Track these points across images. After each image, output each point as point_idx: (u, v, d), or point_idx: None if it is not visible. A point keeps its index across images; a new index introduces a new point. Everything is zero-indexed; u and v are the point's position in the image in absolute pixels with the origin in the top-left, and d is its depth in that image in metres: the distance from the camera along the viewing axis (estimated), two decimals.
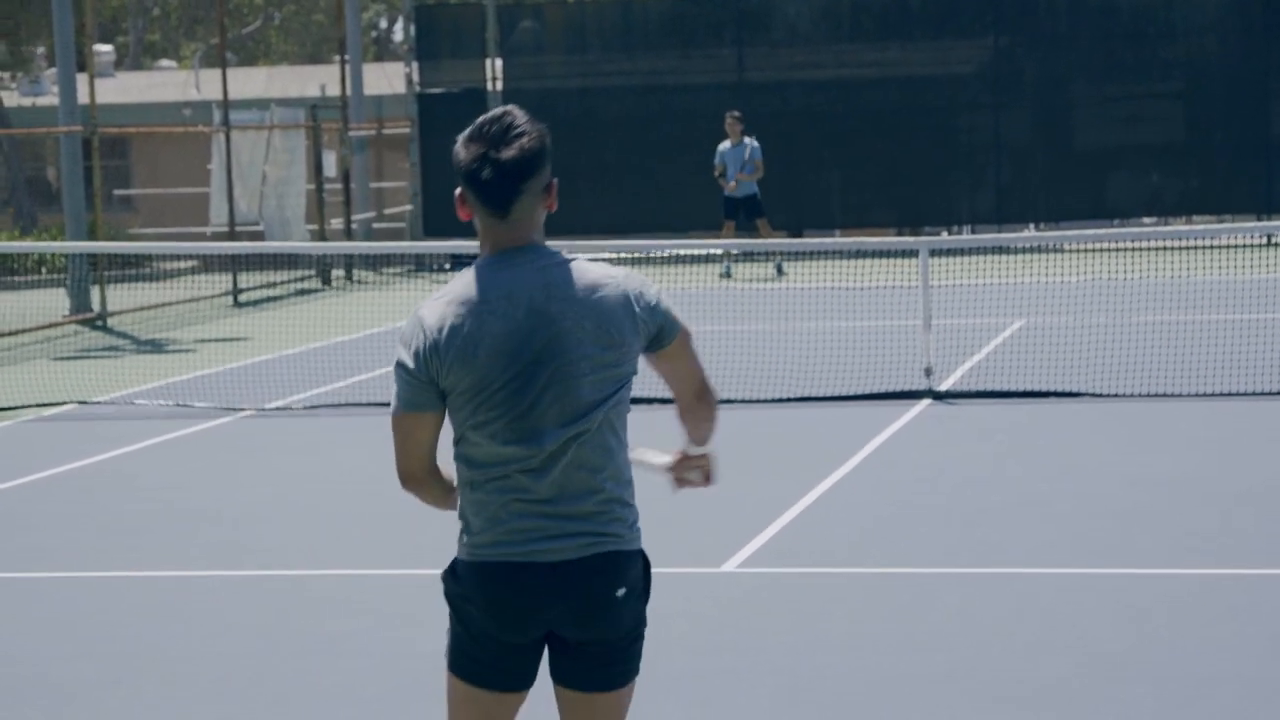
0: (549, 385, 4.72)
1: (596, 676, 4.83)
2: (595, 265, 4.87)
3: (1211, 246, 29.03)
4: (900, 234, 31.17)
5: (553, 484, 4.72)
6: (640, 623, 4.86)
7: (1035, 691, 7.56)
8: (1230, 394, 14.82)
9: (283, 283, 29.34)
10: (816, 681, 7.80)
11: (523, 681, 4.85)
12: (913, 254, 16.55)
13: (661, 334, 4.88)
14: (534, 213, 4.83)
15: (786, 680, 7.79)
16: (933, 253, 16.39)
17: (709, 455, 5.05)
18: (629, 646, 4.84)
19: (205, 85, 40.28)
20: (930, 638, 8.40)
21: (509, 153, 4.70)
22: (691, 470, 5.03)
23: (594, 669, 4.82)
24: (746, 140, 27.15)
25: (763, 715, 7.26)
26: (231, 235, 28.60)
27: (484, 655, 4.77)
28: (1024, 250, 28.43)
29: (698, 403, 5.00)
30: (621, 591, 4.76)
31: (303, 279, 29.87)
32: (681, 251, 28.53)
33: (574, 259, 4.87)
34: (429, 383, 4.73)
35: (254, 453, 14.13)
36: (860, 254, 24.85)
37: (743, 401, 15.14)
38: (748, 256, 28.58)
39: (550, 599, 4.73)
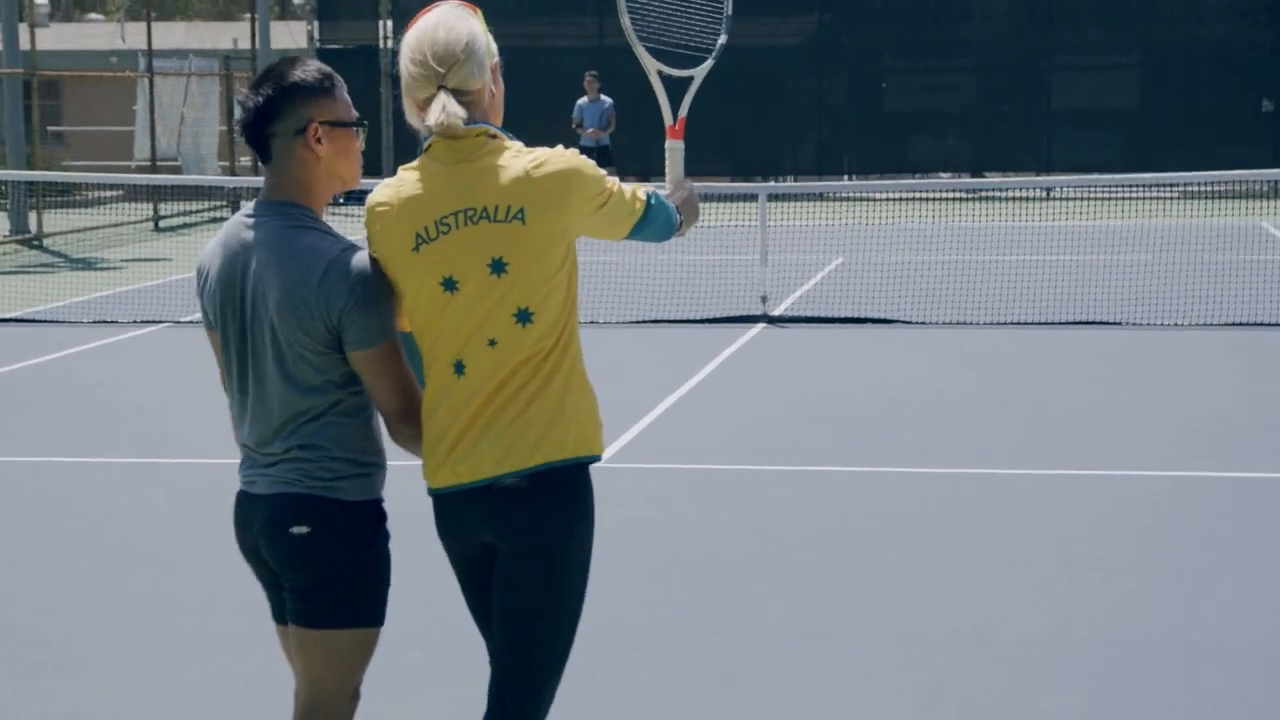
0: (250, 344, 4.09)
1: (293, 609, 4.10)
2: (320, 238, 4.02)
3: (999, 198, 29.24)
4: (733, 182, 31.14)
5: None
6: (341, 568, 4.04)
7: (860, 570, 7.55)
8: (1017, 323, 14.93)
9: (198, 211, 29.05)
10: (674, 562, 7.74)
11: (280, 612, 4.20)
12: (752, 198, 16.49)
13: (344, 328, 3.98)
14: (291, 160, 4.06)
15: (648, 561, 7.73)
16: (770, 197, 16.32)
17: None
18: (322, 589, 4.04)
19: (130, 36, 39.50)
20: (769, 525, 8.36)
21: (256, 97, 4.05)
22: None
23: (292, 602, 4.10)
24: (603, 97, 26.97)
25: (629, 592, 7.19)
26: (153, 168, 28.35)
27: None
28: (843, 198, 28.50)
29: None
30: (302, 530, 4.02)
31: (215, 208, 29.68)
32: None
33: (312, 227, 4.03)
34: None
35: (173, 359, 13.86)
36: (708, 197, 24.78)
37: (604, 324, 15.05)
38: None
39: (248, 527, 4.14)
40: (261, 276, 4.01)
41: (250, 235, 4.05)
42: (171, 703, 6.04)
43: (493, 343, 3.94)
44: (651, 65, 4.89)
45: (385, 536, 4.12)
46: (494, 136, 4.02)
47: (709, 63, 5.03)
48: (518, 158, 3.98)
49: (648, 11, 5.02)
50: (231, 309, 4.07)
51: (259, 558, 4.12)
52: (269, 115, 4.04)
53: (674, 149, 4.69)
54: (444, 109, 3.95)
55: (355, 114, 4.13)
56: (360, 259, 4.00)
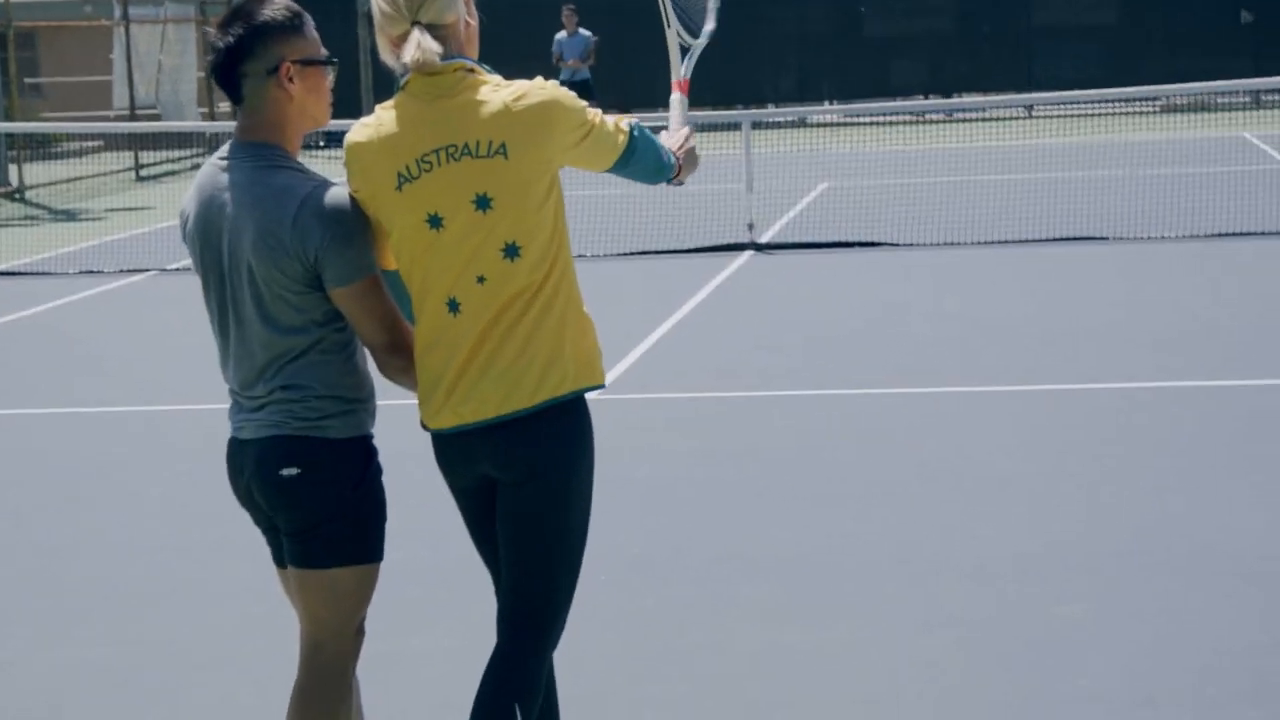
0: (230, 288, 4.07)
1: (291, 551, 4.10)
2: (293, 176, 4.00)
3: (982, 119, 29.19)
4: (715, 111, 31.05)
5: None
6: (334, 506, 4.04)
7: (856, 492, 7.59)
8: (1002, 241, 14.96)
9: (179, 159, 28.91)
10: (671, 490, 7.79)
11: (279, 556, 4.20)
12: (736, 126, 16.46)
13: (323, 266, 3.96)
14: (264, 100, 4.02)
15: (646, 490, 7.77)
16: (753, 125, 16.30)
17: None
18: (317, 529, 4.05)
19: None
20: (764, 451, 8.40)
21: (226, 37, 4.00)
22: None
23: (289, 544, 4.11)
24: (581, 31, 26.89)
25: (628, 520, 7.23)
26: (132, 117, 28.18)
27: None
28: (825, 124, 28.44)
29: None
30: (291, 471, 4.02)
31: (196, 155, 29.50)
32: None
33: (285, 166, 4.01)
34: None
35: (161, 307, 13.85)
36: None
37: (593, 256, 15.06)
38: None
39: (240, 473, 4.14)
40: (237, 218, 3.98)
41: (225, 178, 4.02)
42: (183, 650, 6.08)
43: (482, 279, 3.92)
44: (675, 37, 4.94)
45: (377, 471, 4.12)
46: (471, 70, 3.98)
47: (710, 26, 5.12)
48: (497, 91, 3.95)
49: None
50: (210, 253, 4.06)
51: (254, 502, 4.13)
52: (240, 55, 3.98)
53: (679, 101, 4.69)
54: (419, 45, 3.90)
55: (325, 52, 4.10)
56: (334, 195, 3.97)
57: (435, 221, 3.93)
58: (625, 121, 4.18)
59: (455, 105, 3.94)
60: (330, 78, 4.11)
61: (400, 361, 4.05)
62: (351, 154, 4.00)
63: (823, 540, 6.93)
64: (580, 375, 4.02)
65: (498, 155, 3.91)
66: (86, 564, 7.11)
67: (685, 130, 4.49)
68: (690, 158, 4.43)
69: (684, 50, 4.96)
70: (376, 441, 4.15)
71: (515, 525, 4.03)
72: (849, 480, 7.81)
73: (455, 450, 4.05)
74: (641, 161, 4.20)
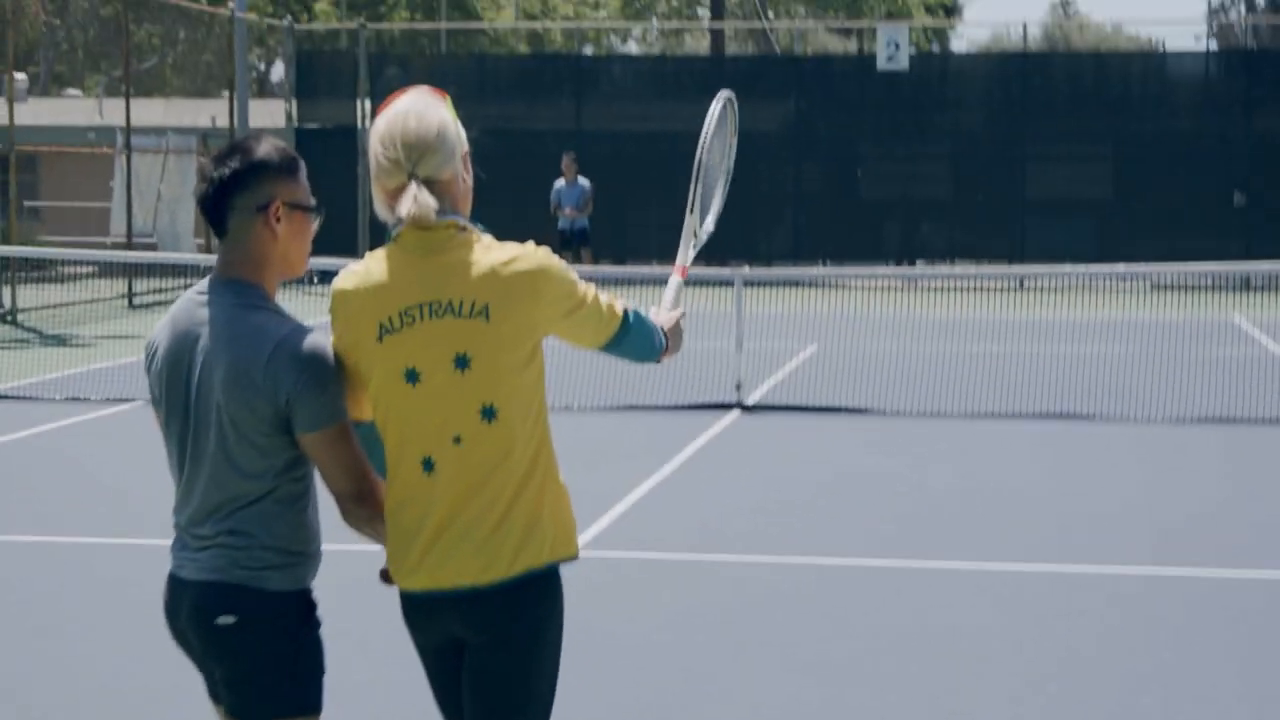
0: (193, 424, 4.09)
1: (227, 701, 4.09)
2: (269, 318, 4.02)
3: (972, 289, 29.39)
4: (708, 267, 31.26)
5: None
6: (270, 657, 4.02)
7: (830, 662, 7.58)
8: (990, 414, 15.01)
9: (173, 289, 28.96)
10: (644, 651, 7.77)
11: (216, 691, 4.17)
12: (728, 284, 16.59)
13: (293, 410, 3.96)
14: (249, 237, 4.05)
15: (618, 650, 7.75)
16: (745, 283, 16.43)
17: None
18: (252, 678, 4.03)
19: (108, 112, 39.53)
20: (740, 615, 8.39)
21: (222, 169, 4.04)
22: None
23: (225, 692, 4.09)
24: (580, 180, 27.14)
25: (599, 680, 7.21)
26: (129, 245, 28.31)
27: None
28: (817, 285, 28.63)
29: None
30: (228, 620, 4.01)
31: (189, 286, 29.48)
32: None
33: (262, 307, 4.03)
34: None
35: (146, 438, 13.83)
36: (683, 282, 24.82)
37: (579, 409, 15.10)
38: None
39: (176, 612, 4.14)
40: (211, 354, 4.00)
41: (203, 313, 4.05)
42: None
43: (458, 439, 3.95)
44: (693, 224, 5.10)
45: (315, 625, 4.12)
46: (464, 229, 4.01)
47: (710, 224, 5.27)
48: (488, 252, 3.99)
49: (704, 180, 5.24)
50: (177, 387, 4.07)
51: (189, 643, 4.13)
52: (233, 188, 4.02)
53: (678, 285, 4.79)
54: (415, 200, 3.94)
55: (314, 201, 4.15)
56: (310, 340, 3.98)
57: (412, 376, 3.95)
58: (620, 304, 4.22)
59: (445, 262, 3.97)
60: (314, 227, 4.15)
61: (365, 511, 4.06)
62: (337, 300, 4.04)
63: (792, 709, 6.90)
64: (557, 547, 4.06)
65: (479, 316, 3.93)
66: (62, 692, 7.06)
67: (678, 312, 4.56)
68: (676, 338, 4.49)
69: (694, 236, 5.09)
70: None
71: (482, 687, 4.04)
72: (822, 649, 7.79)
73: (425, 611, 4.07)
74: (632, 345, 4.26)
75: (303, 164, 4.13)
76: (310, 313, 21.59)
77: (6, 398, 16.14)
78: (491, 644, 4.01)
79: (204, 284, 4.10)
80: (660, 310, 4.56)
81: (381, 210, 4.05)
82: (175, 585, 4.12)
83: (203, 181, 4.07)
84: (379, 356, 3.98)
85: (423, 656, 4.17)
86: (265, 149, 4.05)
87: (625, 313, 4.21)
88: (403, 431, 3.99)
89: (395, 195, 3.99)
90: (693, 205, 5.06)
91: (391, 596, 4.19)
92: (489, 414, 3.94)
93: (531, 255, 4.00)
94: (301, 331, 4.00)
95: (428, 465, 3.98)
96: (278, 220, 4.04)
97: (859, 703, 7.01)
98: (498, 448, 3.95)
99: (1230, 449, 13.42)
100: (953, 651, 7.75)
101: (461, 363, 3.94)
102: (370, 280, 4.00)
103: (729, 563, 9.57)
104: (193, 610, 4.04)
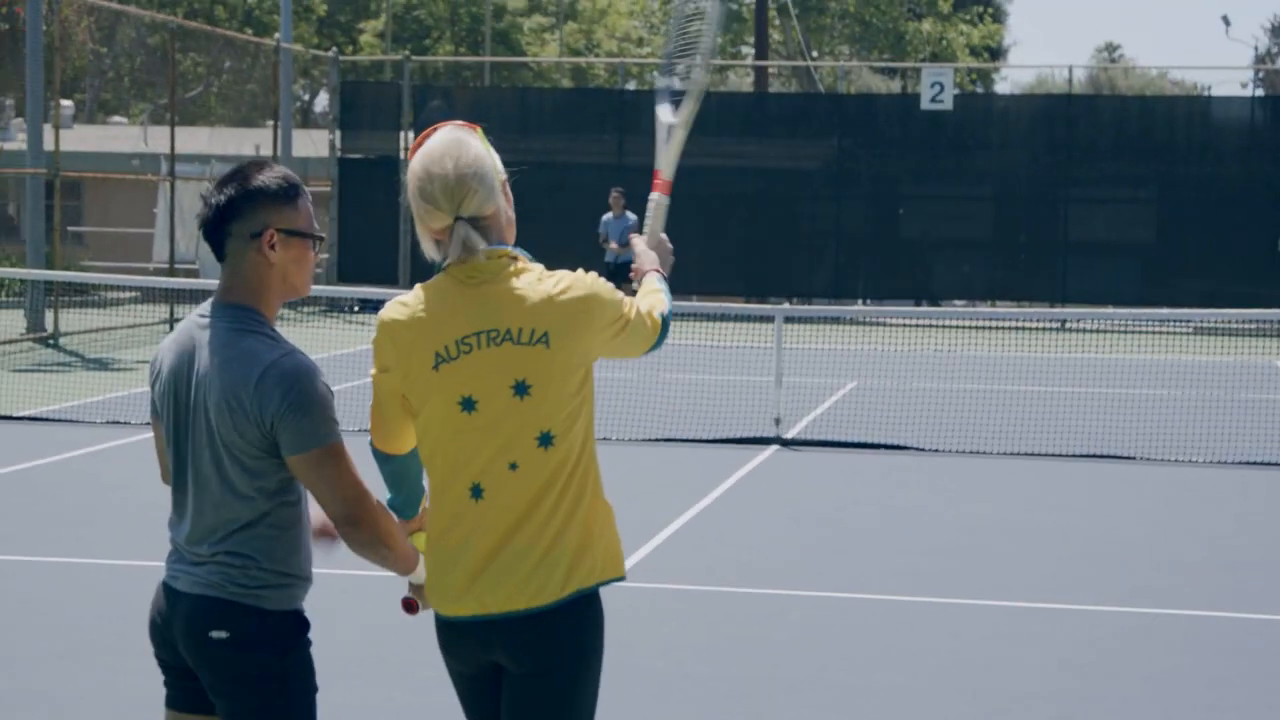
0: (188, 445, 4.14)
1: (221, 709, 4.11)
2: (261, 342, 4.03)
3: (1014, 328, 29.36)
4: (748, 302, 31.30)
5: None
6: (261, 672, 4.05)
7: (865, 699, 7.58)
8: (1029, 454, 14.99)
9: None
10: (677, 684, 7.78)
11: (175, 698, 4.21)
12: (769, 319, 16.59)
13: (278, 432, 3.99)
14: (244, 263, 4.07)
15: (651, 682, 7.76)
16: (786, 319, 16.44)
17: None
18: (246, 697, 4.05)
19: (153, 140, 39.85)
20: (774, 650, 8.39)
21: (219, 196, 4.07)
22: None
23: (218, 702, 4.12)
24: (628, 214, 27.20)
25: (632, 710, 7.21)
26: (171, 271, 28.50)
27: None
28: (857, 322, 28.63)
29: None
30: (221, 635, 4.04)
31: None
32: None
33: (256, 332, 4.04)
34: None
35: None
36: (724, 317, 24.91)
37: (618, 440, 15.13)
38: None
39: (168, 620, 4.16)
40: (206, 377, 4.04)
41: (203, 335, 4.08)
42: None
43: (514, 466, 3.96)
44: (664, 117, 4.83)
45: (307, 644, 4.14)
46: (515, 258, 4.05)
47: (688, 108, 4.90)
48: (541, 281, 4.02)
49: (671, 33, 4.90)
50: (178, 407, 4.12)
51: (170, 647, 4.13)
52: (228, 215, 4.05)
53: (660, 203, 4.66)
54: (464, 245, 3.98)
55: (315, 226, 4.16)
56: (299, 364, 3.98)
57: (469, 404, 3.96)
58: (657, 310, 4.25)
59: (498, 291, 4.00)
60: (315, 252, 4.17)
61: (363, 536, 4.04)
62: (385, 330, 4.04)
63: None
64: (606, 567, 4.07)
65: (540, 344, 3.96)
66: (106, 717, 7.10)
67: (663, 244, 4.56)
68: (666, 266, 4.52)
69: (675, 102, 4.84)
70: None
71: (523, 714, 4.04)
72: (857, 685, 7.79)
73: (470, 638, 4.06)
74: (663, 340, 4.31)
75: (304, 192, 4.14)
76: (350, 341, 21.54)
77: (48, 420, 16.24)
78: (534, 672, 4.01)
79: (206, 307, 4.14)
80: (643, 259, 4.50)
81: (429, 249, 4.08)
82: (168, 593, 4.16)
83: (204, 206, 4.10)
84: (435, 386, 4.00)
85: (458, 684, 4.16)
86: (263, 176, 4.07)
87: (662, 318, 4.26)
88: (454, 459, 4.00)
89: (441, 234, 4.02)
90: (667, 82, 4.83)
91: (376, 618, 4.20)
92: (546, 440, 3.96)
93: (583, 281, 4.04)
94: (293, 356, 4.01)
95: (476, 492, 3.99)
96: (272, 247, 4.05)
97: None
98: (551, 473, 3.97)
99: (1273, 493, 13.37)
100: (990, 688, 7.74)
101: (521, 390, 3.96)
102: (423, 311, 4.02)
103: (766, 596, 9.57)
104: (186, 622, 4.07)
